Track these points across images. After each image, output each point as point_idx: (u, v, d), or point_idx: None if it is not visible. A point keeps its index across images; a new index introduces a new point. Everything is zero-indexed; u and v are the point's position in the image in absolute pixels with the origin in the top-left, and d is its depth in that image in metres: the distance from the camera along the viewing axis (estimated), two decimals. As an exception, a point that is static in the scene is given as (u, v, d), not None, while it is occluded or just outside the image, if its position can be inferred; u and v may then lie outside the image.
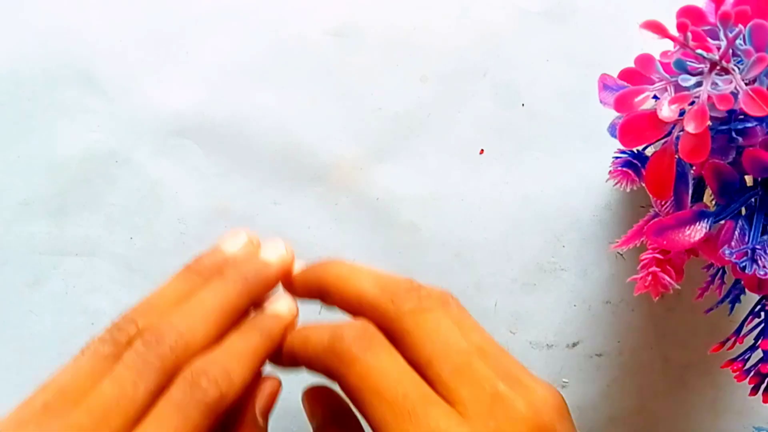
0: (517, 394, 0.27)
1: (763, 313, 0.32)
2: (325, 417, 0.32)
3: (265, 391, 0.30)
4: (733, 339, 0.33)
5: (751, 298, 0.33)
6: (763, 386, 0.32)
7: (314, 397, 0.33)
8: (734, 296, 0.34)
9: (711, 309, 0.34)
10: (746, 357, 0.33)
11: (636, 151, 0.33)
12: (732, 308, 0.34)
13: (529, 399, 0.27)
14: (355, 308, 0.30)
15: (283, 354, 0.31)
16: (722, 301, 0.34)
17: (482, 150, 0.40)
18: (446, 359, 0.27)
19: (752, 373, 0.32)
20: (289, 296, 0.33)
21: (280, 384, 0.31)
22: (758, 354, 0.32)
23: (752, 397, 0.32)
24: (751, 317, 0.33)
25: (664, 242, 0.29)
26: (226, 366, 0.27)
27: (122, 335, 0.28)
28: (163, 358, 0.27)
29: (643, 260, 0.31)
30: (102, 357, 0.28)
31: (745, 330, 0.33)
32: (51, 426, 0.25)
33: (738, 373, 0.33)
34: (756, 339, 0.32)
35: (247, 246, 0.33)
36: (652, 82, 0.29)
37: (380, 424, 0.26)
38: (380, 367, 0.27)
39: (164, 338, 0.28)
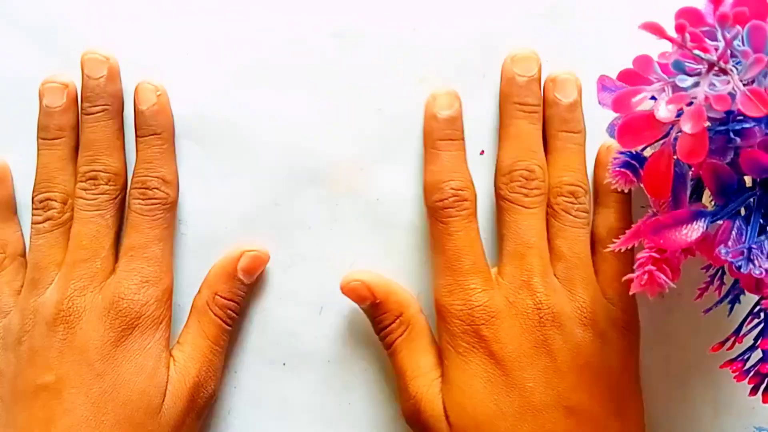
0: (545, 293, 0.36)
1: (762, 313, 0.32)
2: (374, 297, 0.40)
3: (249, 254, 0.40)
4: (732, 339, 0.33)
5: (750, 299, 0.33)
6: (762, 386, 0.32)
7: (353, 290, 0.40)
8: (733, 296, 0.34)
9: (710, 309, 0.34)
10: (746, 357, 0.33)
11: (634, 152, 0.33)
12: (731, 308, 0.34)
13: (547, 300, 0.36)
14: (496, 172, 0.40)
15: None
16: (721, 301, 0.34)
17: (482, 151, 0.40)
18: (510, 241, 0.38)
19: (752, 373, 0.32)
20: (147, 83, 0.40)
21: (267, 255, 0.41)
22: (758, 354, 0.32)
23: (752, 397, 0.32)
24: (750, 317, 0.33)
25: (661, 241, 0.29)
26: (155, 174, 0.38)
27: (56, 212, 0.39)
28: (106, 192, 0.38)
29: (639, 259, 0.31)
30: (48, 232, 0.39)
31: (744, 330, 0.33)
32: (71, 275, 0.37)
33: (738, 373, 0.33)
34: (755, 339, 0.32)
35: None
36: (650, 83, 0.29)
37: (434, 269, 0.39)
38: (455, 232, 0.38)
39: (98, 180, 0.38)
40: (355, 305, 0.40)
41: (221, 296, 0.39)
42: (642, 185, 0.31)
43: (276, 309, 0.41)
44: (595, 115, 0.38)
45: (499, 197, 0.38)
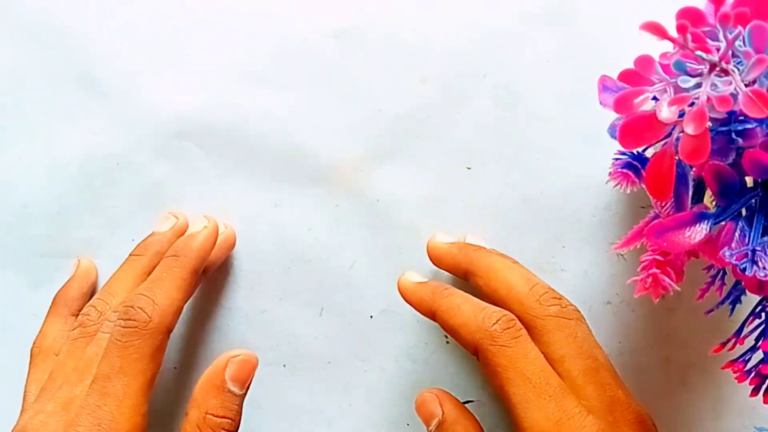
0: (635, 401, 0.33)
1: (763, 314, 0.32)
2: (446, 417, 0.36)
3: (236, 360, 0.33)
4: (733, 340, 0.33)
5: (752, 299, 0.33)
6: (763, 387, 0.32)
7: (428, 404, 0.37)
8: (735, 297, 0.34)
9: (711, 310, 0.34)
10: (747, 358, 0.33)
11: (636, 153, 0.33)
12: (732, 309, 0.34)
13: (639, 408, 0.33)
14: (501, 296, 0.35)
15: (421, 306, 0.37)
16: (723, 302, 0.34)
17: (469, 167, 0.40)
18: (578, 360, 0.33)
19: (753, 374, 0.32)
20: (204, 217, 0.39)
21: (255, 358, 0.34)
22: (759, 355, 0.32)
23: (753, 398, 0.32)
24: (751, 318, 0.33)
25: (664, 244, 0.29)
26: (147, 294, 0.34)
27: (89, 320, 0.36)
28: (132, 327, 0.33)
29: (643, 262, 0.31)
30: (73, 340, 0.35)
31: (745, 331, 0.33)
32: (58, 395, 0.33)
33: (739, 374, 0.33)
34: (756, 340, 0.32)
35: (176, 225, 0.40)
36: (652, 84, 0.29)
37: (522, 400, 0.32)
38: (528, 355, 0.32)
39: (132, 314, 0.33)
40: (355, 306, 0.40)
41: (213, 414, 0.33)
42: (644, 186, 0.31)
43: (276, 310, 0.41)
44: (595, 115, 0.38)
45: (536, 318, 0.34)
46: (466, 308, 0.34)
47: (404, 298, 0.38)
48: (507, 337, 0.33)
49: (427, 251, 0.39)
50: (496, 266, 0.36)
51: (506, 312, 0.34)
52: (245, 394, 0.34)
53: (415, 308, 0.37)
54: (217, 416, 0.33)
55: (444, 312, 0.35)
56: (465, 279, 0.38)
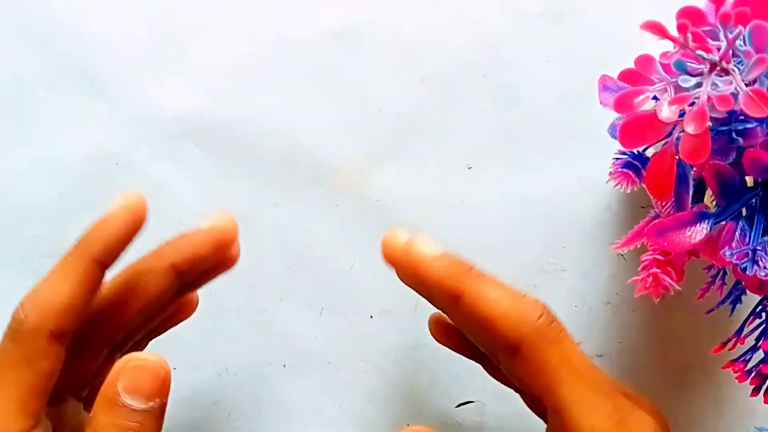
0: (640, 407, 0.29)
1: (764, 314, 0.32)
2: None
3: (129, 367, 0.27)
4: (734, 340, 0.33)
5: (752, 299, 0.33)
6: (764, 387, 0.32)
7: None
8: (735, 297, 0.34)
9: (712, 310, 0.34)
10: (747, 358, 0.33)
11: (636, 152, 0.33)
12: (733, 309, 0.34)
13: (651, 409, 0.30)
14: (488, 327, 0.29)
15: (440, 285, 0.30)
16: (723, 302, 0.34)
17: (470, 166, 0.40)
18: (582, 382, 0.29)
19: (753, 374, 0.32)
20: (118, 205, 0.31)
21: (157, 363, 0.28)
22: (759, 355, 0.32)
23: (754, 398, 0.32)
24: (752, 318, 0.33)
25: (665, 243, 0.29)
26: (33, 289, 0.29)
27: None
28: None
29: (643, 261, 0.31)
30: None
31: (746, 331, 0.33)
32: None
33: (739, 374, 0.33)
34: (757, 340, 0.32)
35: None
36: (652, 83, 0.29)
37: (578, 400, 0.28)
38: (576, 351, 0.29)
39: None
40: (355, 306, 0.40)
41: None
42: (644, 186, 0.31)
43: (276, 310, 0.41)
44: (595, 115, 0.38)
45: (533, 346, 0.29)
46: (501, 295, 0.29)
47: (416, 275, 0.31)
48: (555, 332, 0.29)
49: (402, 266, 0.32)
50: (483, 294, 0.30)
51: (542, 302, 0.30)
52: (158, 408, 0.27)
53: (427, 287, 0.31)
54: None
55: (475, 297, 0.29)
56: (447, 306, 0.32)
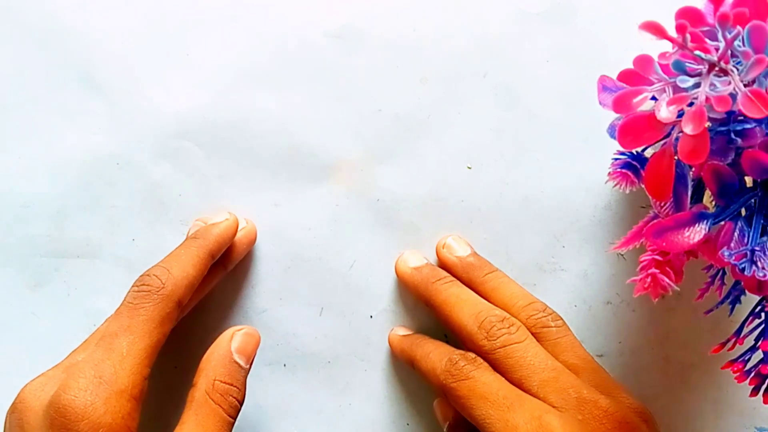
0: (602, 397, 0.33)
1: (763, 314, 0.32)
2: (455, 418, 0.38)
3: (240, 332, 0.35)
4: (733, 340, 0.33)
5: (751, 299, 0.33)
6: (763, 387, 0.32)
7: (444, 404, 0.39)
8: (734, 297, 0.34)
9: (711, 310, 0.34)
10: (747, 358, 0.33)
11: (635, 153, 0.33)
12: (732, 309, 0.34)
13: (613, 401, 0.33)
14: (455, 334, 0.37)
15: (402, 356, 0.40)
16: (722, 302, 0.34)
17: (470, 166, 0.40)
18: (534, 376, 0.34)
19: (753, 374, 0.32)
20: (227, 213, 0.40)
21: (258, 334, 0.36)
22: (759, 355, 0.32)
23: (753, 398, 0.32)
24: (751, 318, 0.33)
25: (664, 244, 0.29)
26: (164, 265, 0.35)
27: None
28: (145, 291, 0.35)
29: (642, 262, 0.31)
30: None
31: (745, 331, 0.33)
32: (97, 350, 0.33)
33: (738, 374, 0.33)
34: (756, 340, 0.32)
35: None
36: (651, 83, 0.29)
37: (485, 419, 0.33)
38: (484, 380, 0.34)
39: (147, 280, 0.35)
40: (355, 306, 0.40)
41: (222, 381, 0.34)
42: (643, 186, 0.31)
43: (276, 310, 0.41)
44: (595, 115, 0.38)
45: (488, 353, 0.35)
46: (433, 355, 0.37)
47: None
48: (465, 372, 0.35)
49: (395, 271, 0.41)
50: (449, 302, 0.37)
51: (469, 354, 0.36)
52: (248, 370, 0.35)
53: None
54: (225, 383, 0.33)
55: (416, 362, 0.38)
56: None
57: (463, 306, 0.37)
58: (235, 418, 0.34)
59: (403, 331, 0.41)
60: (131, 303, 0.34)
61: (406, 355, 0.39)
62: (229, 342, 0.35)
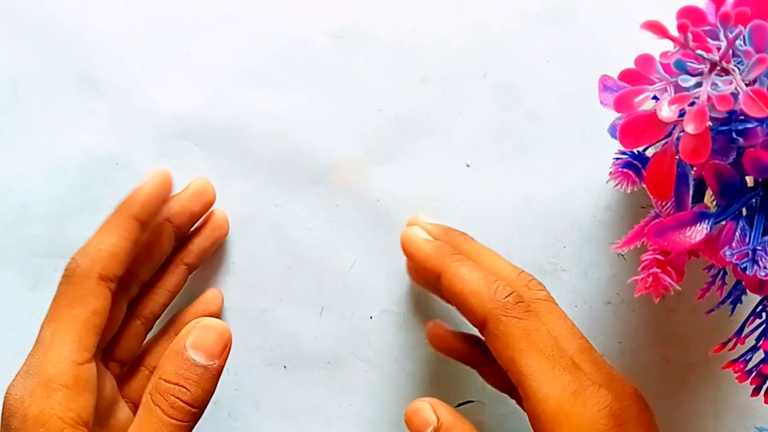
0: (626, 378, 0.33)
1: (764, 314, 0.32)
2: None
3: (198, 326, 0.32)
4: (734, 340, 0.33)
5: (752, 299, 0.33)
6: (764, 387, 0.32)
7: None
8: (735, 297, 0.33)
9: (712, 310, 0.34)
10: (748, 358, 0.33)
11: (636, 152, 0.33)
12: (733, 309, 0.34)
13: (633, 385, 0.33)
14: (482, 298, 0.33)
15: (424, 264, 0.35)
16: (723, 302, 0.34)
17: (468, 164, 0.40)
18: (573, 339, 0.33)
19: (754, 374, 0.32)
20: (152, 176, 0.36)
21: (224, 328, 0.32)
22: (760, 355, 0.32)
23: (754, 398, 0.32)
24: (752, 318, 0.33)
25: (665, 243, 0.29)
26: (84, 249, 0.34)
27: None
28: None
29: (643, 261, 0.31)
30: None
31: (746, 331, 0.33)
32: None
33: (739, 374, 0.33)
34: (757, 340, 0.32)
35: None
36: (652, 83, 0.29)
37: (536, 371, 0.31)
38: (540, 328, 0.32)
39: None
40: (355, 306, 0.40)
41: (165, 380, 0.30)
42: (644, 186, 0.31)
43: (276, 310, 0.41)
44: (595, 115, 0.38)
45: (530, 303, 0.33)
46: (476, 276, 0.33)
47: (406, 253, 0.37)
48: (520, 310, 0.32)
49: (402, 240, 0.37)
50: (481, 257, 0.36)
51: (515, 290, 0.33)
52: (216, 368, 0.31)
53: (416, 265, 0.36)
54: (170, 382, 0.30)
55: (452, 275, 0.33)
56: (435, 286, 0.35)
57: (493, 261, 0.35)
58: (186, 422, 0.30)
59: (425, 233, 0.37)
60: (55, 295, 0.33)
61: (431, 265, 0.35)
62: (185, 337, 0.31)
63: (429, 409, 0.33)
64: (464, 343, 0.38)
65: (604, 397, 0.31)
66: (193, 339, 0.31)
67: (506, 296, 0.32)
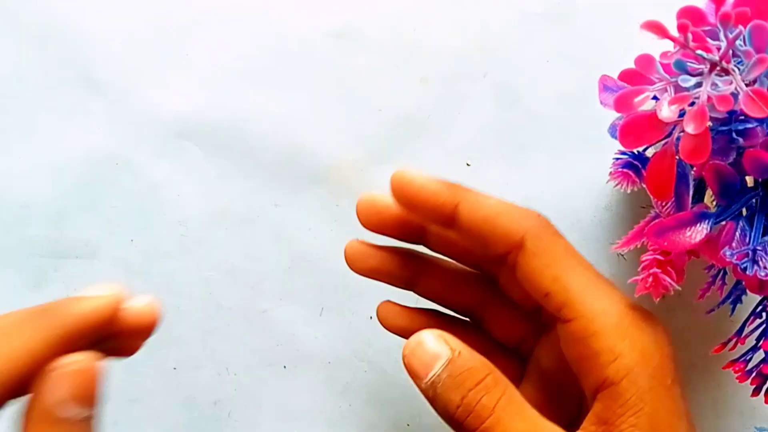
0: None
1: (764, 314, 0.32)
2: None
3: (71, 371, 0.24)
4: (734, 340, 0.33)
5: (752, 298, 0.33)
6: (765, 387, 0.32)
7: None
8: (735, 297, 0.34)
9: (712, 310, 0.34)
10: (748, 358, 0.33)
11: (636, 152, 0.33)
12: (733, 309, 0.34)
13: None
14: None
15: (434, 197, 0.31)
16: (723, 302, 0.34)
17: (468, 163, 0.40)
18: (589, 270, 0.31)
19: (754, 374, 0.32)
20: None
21: (94, 362, 0.24)
22: (760, 355, 0.32)
23: (754, 398, 0.32)
24: (752, 318, 0.33)
25: (665, 243, 0.29)
26: None
27: None
28: None
29: (643, 262, 0.31)
30: None
31: (746, 331, 0.33)
32: None
33: (740, 374, 0.33)
34: (757, 340, 0.32)
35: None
36: (652, 83, 0.29)
37: (589, 285, 0.29)
38: (575, 250, 0.31)
39: None
40: (355, 306, 0.40)
41: None
42: (644, 186, 0.31)
43: (276, 310, 0.41)
44: (595, 115, 0.38)
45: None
46: (497, 200, 0.30)
47: (404, 193, 0.31)
48: (555, 228, 0.30)
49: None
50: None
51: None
52: (92, 415, 0.24)
53: (421, 205, 0.31)
54: None
55: (474, 202, 0.30)
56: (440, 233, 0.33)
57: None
58: None
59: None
60: None
61: (445, 198, 0.31)
62: (53, 391, 0.23)
63: (434, 339, 0.28)
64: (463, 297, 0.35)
65: (653, 317, 0.29)
66: (71, 390, 0.24)
67: (539, 215, 0.30)
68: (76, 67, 0.40)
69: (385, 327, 0.35)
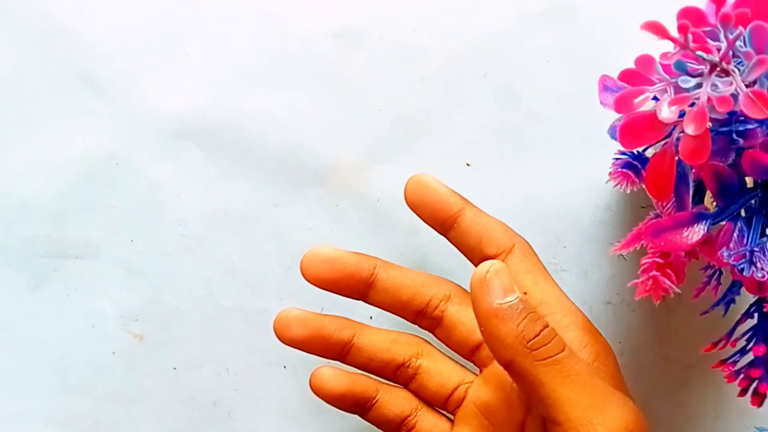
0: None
1: (756, 315, 0.32)
2: None
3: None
4: (725, 341, 0.33)
5: (746, 300, 0.33)
6: (751, 389, 0.32)
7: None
8: (729, 298, 0.34)
9: (707, 311, 0.34)
10: (736, 359, 0.33)
11: (636, 153, 0.33)
12: (726, 309, 0.34)
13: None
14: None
15: (439, 206, 0.36)
16: (717, 303, 0.34)
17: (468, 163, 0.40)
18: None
19: (741, 376, 0.32)
20: None
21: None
22: (748, 356, 0.32)
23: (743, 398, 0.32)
24: (744, 318, 0.33)
25: (662, 243, 0.29)
26: None
27: None
28: None
29: (643, 264, 0.31)
30: None
31: (738, 332, 0.33)
32: None
33: (729, 374, 0.33)
34: (747, 341, 0.32)
35: None
36: (652, 83, 0.29)
37: (555, 290, 0.35)
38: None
39: None
40: (355, 306, 0.40)
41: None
42: (644, 186, 0.31)
43: (276, 310, 0.41)
44: (595, 115, 0.38)
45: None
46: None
47: (419, 195, 0.36)
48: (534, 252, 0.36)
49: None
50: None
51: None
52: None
53: (432, 208, 0.36)
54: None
55: (477, 211, 0.36)
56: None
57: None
58: None
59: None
60: None
61: (453, 201, 0.36)
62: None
63: (508, 274, 0.30)
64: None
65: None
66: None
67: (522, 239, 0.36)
68: (76, 67, 0.40)
69: (318, 395, 0.37)
